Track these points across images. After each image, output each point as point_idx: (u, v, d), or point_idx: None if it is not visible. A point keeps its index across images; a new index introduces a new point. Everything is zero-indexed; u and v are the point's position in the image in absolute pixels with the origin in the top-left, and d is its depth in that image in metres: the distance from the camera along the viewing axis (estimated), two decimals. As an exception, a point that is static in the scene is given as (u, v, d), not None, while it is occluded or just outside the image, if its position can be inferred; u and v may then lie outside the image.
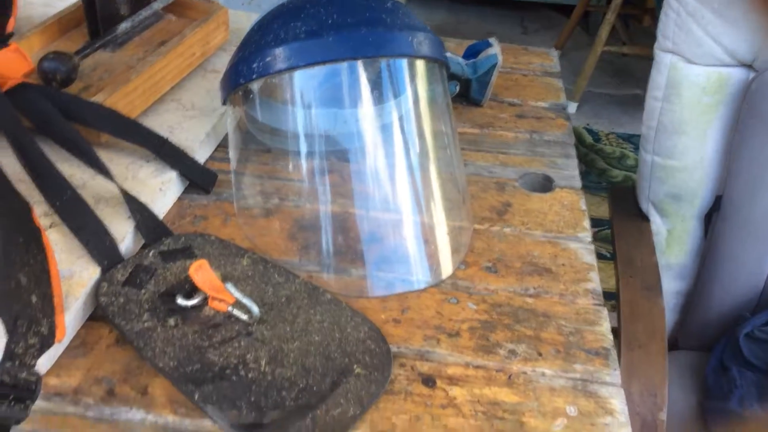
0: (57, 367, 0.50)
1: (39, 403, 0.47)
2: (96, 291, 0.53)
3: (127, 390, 0.49)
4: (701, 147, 0.94)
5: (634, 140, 2.45)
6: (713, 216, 0.97)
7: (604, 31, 2.41)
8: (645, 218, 1.01)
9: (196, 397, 0.47)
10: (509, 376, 0.52)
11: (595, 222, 0.61)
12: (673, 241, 1.00)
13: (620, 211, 1.03)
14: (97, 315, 0.54)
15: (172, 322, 0.52)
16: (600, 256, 0.55)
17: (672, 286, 1.02)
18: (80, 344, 0.52)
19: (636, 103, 2.66)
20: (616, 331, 0.74)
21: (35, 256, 0.50)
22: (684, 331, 1.04)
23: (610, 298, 0.75)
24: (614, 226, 1.01)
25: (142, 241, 0.59)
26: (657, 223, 1.00)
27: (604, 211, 1.26)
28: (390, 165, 0.62)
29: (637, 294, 0.87)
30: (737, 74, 0.90)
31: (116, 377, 0.50)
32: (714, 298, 0.98)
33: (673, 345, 1.05)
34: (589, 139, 2.44)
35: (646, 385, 0.79)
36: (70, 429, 0.48)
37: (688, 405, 0.93)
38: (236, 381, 0.48)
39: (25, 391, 0.44)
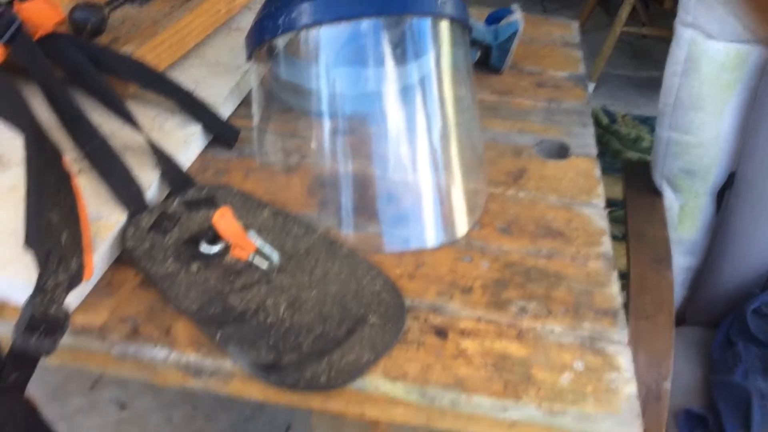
0: (84, 306, 0.52)
1: (66, 339, 0.49)
2: (122, 235, 0.55)
3: (151, 329, 0.51)
4: (718, 123, 0.95)
5: (650, 122, 2.44)
6: (726, 192, 0.97)
7: (624, 12, 2.39)
8: (658, 193, 1.02)
9: (218, 337, 0.49)
10: (519, 332, 0.53)
11: (609, 203, 0.63)
12: (685, 217, 1.01)
13: (634, 186, 1.04)
14: (122, 259, 0.56)
15: (195, 267, 0.54)
16: (611, 237, 0.57)
17: (682, 262, 1.03)
18: (106, 285, 0.54)
19: (654, 85, 2.65)
20: (624, 305, 0.75)
21: (65, 198, 0.52)
22: (692, 307, 1.05)
23: (621, 277, 0.76)
24: (627, 200, 1.02)
25: (167, 191, 0.61)
26: (670, 198, 1.01)
27: (617, 192, 1.26)
28: (409, 126, 0.63)
29: (647, 266, 0.88)
30: (757, 51, 0.90)
31: (141, 317, 0.51)
32: (723, 275, 0.99)
33: (681, 320, 1.06)
34: (605, 120, 2.43)
35: (652, 355, 0.80)
36: (95, 364, 0.50)
37: (694, 378, 0.94)
38: (256, 325, 0.50)
39: (54, 325, 0.46)
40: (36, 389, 0.49)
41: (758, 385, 0.86)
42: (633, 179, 1.06)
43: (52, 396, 1.41)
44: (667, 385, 0.78)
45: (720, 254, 0.99)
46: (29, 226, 0.48)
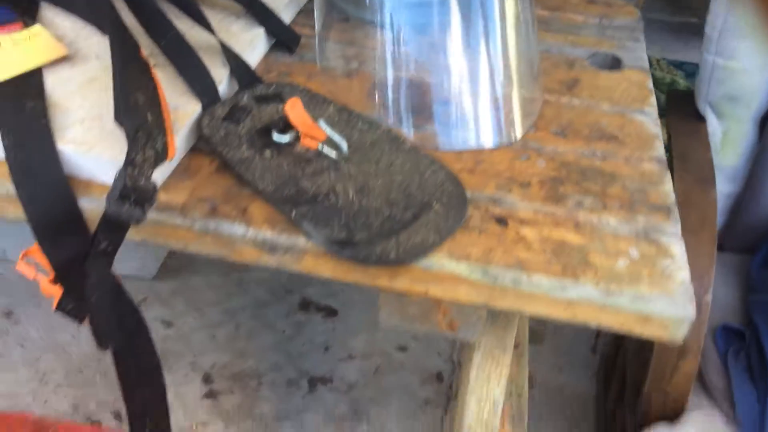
0: (165, 187, 0.55)
1: (150, 215, 0.52)
2: (199, 123, 0.57)
3: (228, 209, 0.53)
4: (764, 50, 0.95)
5: (685, 67, 2.42)
6: (770, 119, 0.98)
7: (665, -48, 2.35)
8: (702, 119, 1.02)
9: (293, 215, 0.52)
10: (576, 223, 0.55)
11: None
12: (728, 143, 1.02)
13: (678, 113, 1.05)
14: (198, 147, 0.58)
15: (268, 154, 0.56)
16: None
17: (722, 189, 1.04)
18: (184, 170, 0.56)
19: (690, 31, 2.61)
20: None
21: (147, 83, 0.55)
22: (730, 234, 1.07)
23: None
24: (671, 126, 1.02)
25: (236, 87, 0.63)
26: (713, 124, 1.02)
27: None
28: (468, 32, 0.65)
29: (692, 185, 0.89)
30: (810, -26, 0.90)
31: (218, 198, 0.54)
32: (764, 202, 1.00)
33: (719, 247, 1.08)
34: (640, 63, 2.41)
35: (695, 268, 0.81)
36: (177, 239, 0.54)
37: (731, 300, 0.96)
38: (328, 206, 0.53)
39: (143, 196, 0.48)
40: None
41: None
42: (677, 106, 1.07)
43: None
44: (708, 297, 0.81)
45: (761, 181, 1.00)
46: (118, 103, 0.51)
